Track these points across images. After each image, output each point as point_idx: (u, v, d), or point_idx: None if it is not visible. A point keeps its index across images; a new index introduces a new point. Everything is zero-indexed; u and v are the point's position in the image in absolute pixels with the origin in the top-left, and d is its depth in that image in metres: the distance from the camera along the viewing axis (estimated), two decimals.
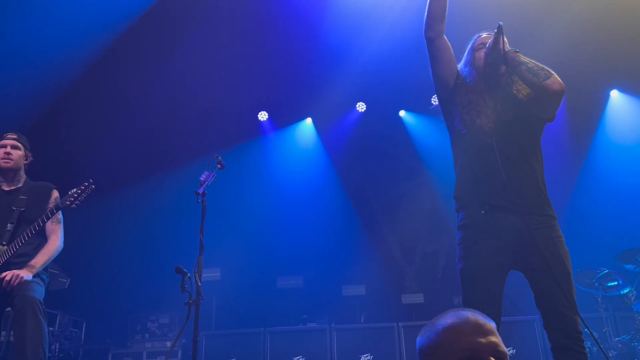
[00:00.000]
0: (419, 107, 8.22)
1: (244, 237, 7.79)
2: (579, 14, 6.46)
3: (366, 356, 6.34)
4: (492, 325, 1.44)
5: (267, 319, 7.01)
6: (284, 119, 8.46)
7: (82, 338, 7.08)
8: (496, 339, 1.40)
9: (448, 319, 1.45)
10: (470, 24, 6.53)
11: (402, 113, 8.40)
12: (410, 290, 7.96)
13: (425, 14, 2.76)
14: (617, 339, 5.10)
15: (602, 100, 7.87)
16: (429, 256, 8.27)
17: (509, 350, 6.25)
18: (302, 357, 6.48)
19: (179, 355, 6.76)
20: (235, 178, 7.57)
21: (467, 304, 2.46)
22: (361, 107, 8.27)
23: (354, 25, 6.75)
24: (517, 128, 2.66)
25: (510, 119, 2.66)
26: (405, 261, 8.30)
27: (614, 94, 7.86)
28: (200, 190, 3.41)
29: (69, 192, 3.52)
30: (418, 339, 1.50)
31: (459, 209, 2.75)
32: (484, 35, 2.87)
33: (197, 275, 3.20)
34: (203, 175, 3.54)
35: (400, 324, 6.56)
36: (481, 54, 2.78)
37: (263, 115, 8.42)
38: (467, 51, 2.91)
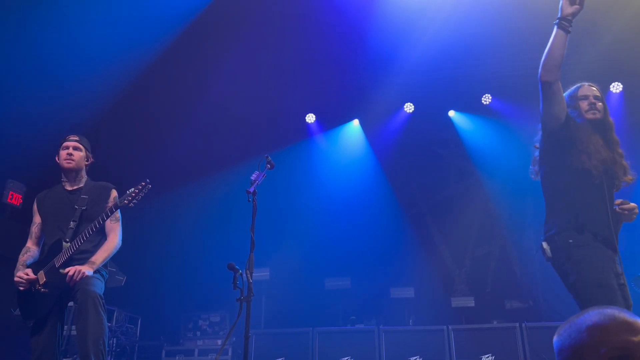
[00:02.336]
0: (469, 107, 8.09)
1: (292, 238, 7.88)
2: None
3: (415, 359, 6.27)
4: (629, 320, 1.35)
5: (315, 319, 7.04)
6: (332, 120, 8.50)
7: (138, 334, 7.33)
8: None
9: (592, 316, 1.36)
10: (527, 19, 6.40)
11: (451, 113, 8.27)
12: (460, 294, 7.81)
13: (545, 59, 2.95)
14: None
15: None
16: (480, 259, 8.10)
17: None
18: (350, 358, 6.47)
19: (229, 353, 6.89)
20: (284, 179, 7.65)
21: None
22: (409, 107, 8.19)
23: (402, 26, 6.71)
24: (613, 173, 3.01)
25: (609, 164, 3.00)
26: (455, 264, 8.16)
27: None
28: (251, 189, 3.47)
29: (127, 192, 3.66)
30: (556, 339, 1.43)
31: (572, 233, 2.91)
32: (586, 86, 3.21)
33: (248, 272, 3.26)
34: (254, 175, 3.60)
35: (450, 327, 6.45)
36: (586, 105, 3.13)
37: (310, 118, 8.49)
38: (569, 95, 3.24)
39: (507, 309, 7.46)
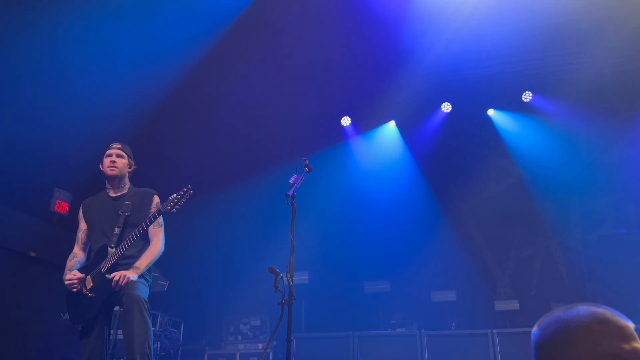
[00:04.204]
0: (508, 104, 7.90)
1: (331, 241, 7.87)
2: None
3: None
4: (632, 327, 1.27)
5: (355, 322, 7.00)
6: (367, 123, 8.45)
7: (181, 338, 7.45)
8: (639, 344, 1.23)
9: (583, 316, 1.27)
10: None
11: (490, 112, 8.10)
12: (504, 297, 7.61)
13: None
14: None
15: None
16: (524, 261, 7.87)
17: None
18: None
19: (271, 357, 6.92)
20: (321, 182, 7.66)
21: None
22: (447, 107, 8.06)
23: (436, 24, 6.61)
24: None
25: None
26: (497, 266, 7.96)
27: None
28: (290, 193, 3.48)
29: (169, 198, 3.72)
30: (537, 332, 1.34)
31: None
32: None
33: (289, 275, 3.26)
34: (292, 178, 3.61)
35: (494, 331, 6.30)
36: None
37: (346, 120, 8.46)
38: None
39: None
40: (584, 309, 1.30)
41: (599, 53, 6.88)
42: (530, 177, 7.79)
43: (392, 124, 8.47)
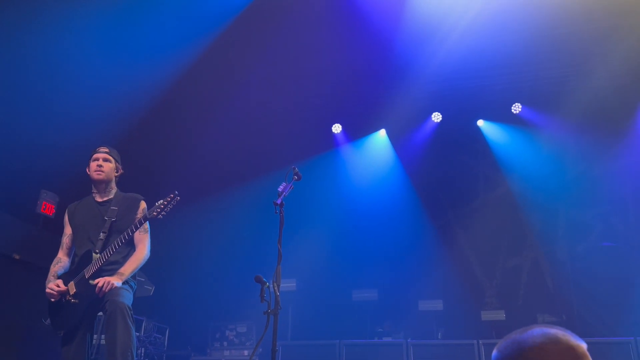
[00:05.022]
0: (498, 116, 7.96)
1: (319, 249, 7.84)
2: None
3: None
4: (584, 347, 1.33)
5: (342, 331, 6.98)
6: (358, 131, 8.47)
7: (166, 344, 7.38)
8: None
9: (535, 338, 1.34)
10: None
11: (480, 122, 8.15)
12: (490, 307, 7.63)
13: None
14: None
15: None
16: (511, 271, 7.90)
17: None
18: None
19: None
20: (311, 190, 7.65)
21: None
22: (437, 117, 8.10)
23: (428, 35, 6.65)
24: None
25: None
26: (485, 276, 7.98)
27: None
28: (279, 201, 3.47)
29: (156, 204, 3.69)
30: (495, 354, 1.40)
31: None
32: None
33: (275, 284, 3.24)
34: (281, 186, 3.60)
35: (480, 342, 6.30)
36: None
37: (337, 128, 8.47)
38: None
39: (540, 323, 7.24)
40: (538, 331, 1.36)
41: (591, 68, 6.95)
42: (518, 188, 7.84)
43: (382, 132, 8.50)
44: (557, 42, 6.65)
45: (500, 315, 7.35)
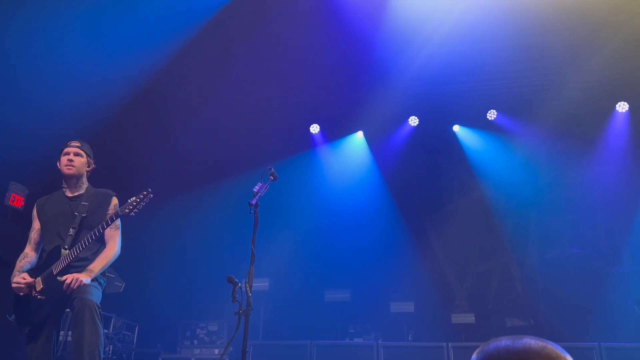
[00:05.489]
0: (473, 122, 8.06)
1: (293, 249, 7.83)
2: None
3: None
4: (566, 358, 1.28)
5: (314, 331, 6.98)
6: (336, 132, 8.48)
7: (135, 341, 7.27)
8: None
9: (535, 349, 1.27)
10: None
11: (456, 128, 8.25)
12: (460, 310, 7.73)
13: None
14: None
15: None
16: (482, 275, 8.02)
17: None
18: None
19: None
20: (287, 190, 7.64)
21: None
22: (414, 121, 8.17)
23: (408, 39, 6.71)
24: None
25: None
26: (456, 279, 8.08)
27: None
28: (253, 201, 3.45)
29: (128, 201, 3.63)
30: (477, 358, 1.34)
31: None
32: None
33: (247, 285, 3.22)
34: (256, 187, 3.58)
35: (449, 344, 6.38)
36: None
37: (315, 128, 8.47)
38: None
39: (508, 327, 7.38)
40: (535, 342, 1.30)
41: (564, 78, 7.09)
42: (491, 193, 7.95)
43: (360, 134, 8.53)
44: (533, 52, 6.77)
45: (470, 318, 7.45)
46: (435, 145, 8.26)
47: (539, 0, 6.07)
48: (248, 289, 3.20)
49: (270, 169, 3.76)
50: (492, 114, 7.90)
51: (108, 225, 3.66)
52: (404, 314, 7.54)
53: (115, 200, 3.96)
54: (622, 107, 7.53)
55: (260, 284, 7.41)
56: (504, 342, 1.35)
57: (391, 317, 7.54)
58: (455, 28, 6.50)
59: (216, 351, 7.22)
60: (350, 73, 7.41)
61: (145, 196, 3.62)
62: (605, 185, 7.49)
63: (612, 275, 6.87)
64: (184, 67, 6.88)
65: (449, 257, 8.16)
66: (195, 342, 7.42)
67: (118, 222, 3.86)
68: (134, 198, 3.61)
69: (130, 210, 3.59)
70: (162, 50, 6.48)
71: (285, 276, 7.67)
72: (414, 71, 7.14)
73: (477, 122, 8.03)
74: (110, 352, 6.62)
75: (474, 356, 1.38)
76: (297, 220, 8.02)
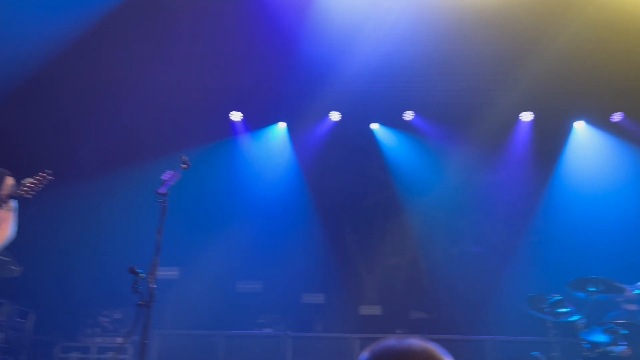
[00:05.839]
0: (392, 121, 8.31)
1: (206, 238, 7.69)
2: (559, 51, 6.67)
3: None
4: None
5: (225, 321, 6.92)
6: (258, 121, 8.40)
7: (31, 329, 6.85)
8: None
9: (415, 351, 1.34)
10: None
11: (374, 126, 8.46)
12: (369, 302, 7.98)
13: None
14: None
15: (567, 131, 8.12)
16: (391, 269, 8.31)
17: None
18: None
19: (130, 352, 6.60)
20: (204, 177, 7.49)
21: None
22: (335, 116, 8.28)
23: (334, 35, 6.76)
24: None
25: None
26: (366, 272, 8.32)
27: (579, 125, 8.11)
28: (162, 190, 3.34)
29: (24, 182, 3.40)
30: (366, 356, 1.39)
31: None
32: None
33: (151, 276, 3.13)
34: (166, 175, 3.47)
35: (356, 335, 6.58)
36: None
37: (236, 116, 8.35)
38: None
39: (412, 319, 7.72)
40: (418, 344, 1.38)
41: (478, 85, 7.46)
42: (404, 192, 8.24)
43: (282, 125, 8.51)
44: (451, 58, 7.05)
45: (377, 310, 7.72)
46: (355, 142, 8.43)
47: (460, 9, 6.33)
48: (151, 280, 3.11)
49: (183, 156, 3.66)
50: (409, 115, 8.18)
51: (1, 206, 3.42)
52: (314, 305, 7.67)
53: (10, 180, 3.70)
54: (527, 116, 8.07)
55: (170, 272, 7.23)
56: (391, 342, 1.40)
57: (302, 308, 7.64)
58: (379, 28, 6.64)
59: (119, 339, 6.97)
60: (277, 63, 7.36)
61: (44, 178, 3.41)
62: (508, 188, 8.02)
63: (507, 274, 7.38)
64: (98, 46, 6.52)
65: (362, 250, 8.38)
66: (98, 329, 7.11)
67: (13, 203, 3.61)
68: (30, 179, 3.39)
69: (27, 192, 3.37)
70: (79, 27, 6.08)
71: (196, 265, 7.52)
72: (338, 67, 7.21)
73: (394, 122, 8.28)
74: (3, 340, 6.20)
75: (364, 354, 1.44)
76: (213, 208, 7.89)
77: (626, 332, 5.02)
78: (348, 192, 8.45)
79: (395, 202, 8.26)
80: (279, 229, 7.85)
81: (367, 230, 8.33)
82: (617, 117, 7.85)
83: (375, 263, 8.31)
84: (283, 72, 7.43)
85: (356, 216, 8.41)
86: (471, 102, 7.74)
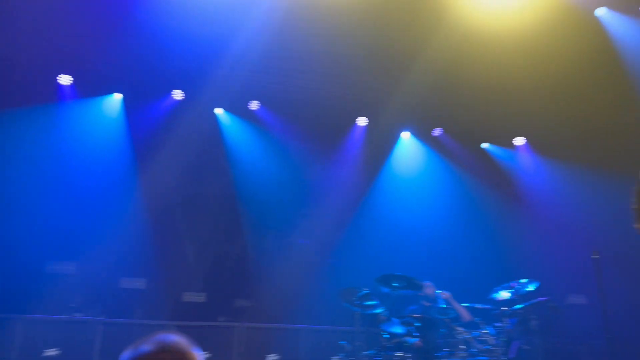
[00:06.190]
0: (237, 109, 8.24)
1: (16, 211, 6.89)
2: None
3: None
4: (197, 357, 1.43)
5: (32, 304, 6.27)
6: (90, 88, 7.71)
7: None
8: None
9: (151, 345, 1.43)
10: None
11: (219, 111, 8.32)
12: (193, 289, 7.83)
13: None
14: (365, 353, 5.66)
15: (395, 139, 8.83)
16: (219, 257, 8.25)
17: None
18: (59, 350, 5.95)
19: None
20: (21, 141, 6.71)
21: None
22: (178, 95, 7.97)
23: (182, 13, 6.47)
24: None
25: None
26: (194, 259, 8.15)
27: (406, 135, 8.87)
28: None
29: None
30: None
31: None
32: None
33: None
34: None
35: (176, 323, 6.44)
36: None
37: (65, 79, 7.56)
38: None
39: (235, 308, 7.76)
40: (157, 338, 1.44)
41: (323, 86, 7.69)
42: (241, 180, 8.23)
43: (117, 96, 7.92)
44: (300, 54, 7.14)
45: (202, 297, 7.62)
46: (196, 124, 8.16)
47: (316, 10, 6.43)
48: None
49: None
50: (254, 105, 8.19)
51: None
52: (134, 291, 7.31)
53: None
54: (362, 121, 8.59)
55: None
56: (144, 343, 1.48)
57: (120, 292, 7.22)
58: (233, 15, 6.52)
59: None
60: (116, 30, 6.81)
61: None
62: (341, 185, 8.46)
63: (325, 266, 7.78)
64: None
65: (191, 236, 8.18)
66: None
67: None
68: None
69: None
70: None
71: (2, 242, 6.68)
72: (185, 45, 6.93)
73: (239, 110, 8.23)
74: None
75: (124, 355, 1.45)
76: (25, 177, 7.07)
77: (419, 324, 5.62)
78: (182, 176, 8.15)
79: (231, 190, 8.21)
80: (100, 207, 7.31)
81: (199, 216, 8.16)
82: (437, 132, 8.75)
83: (205, 250, 8.17)
84: (122, 40, 6.90)
85: (189, 201, 8.18)
86: (314, 100, 7.98)
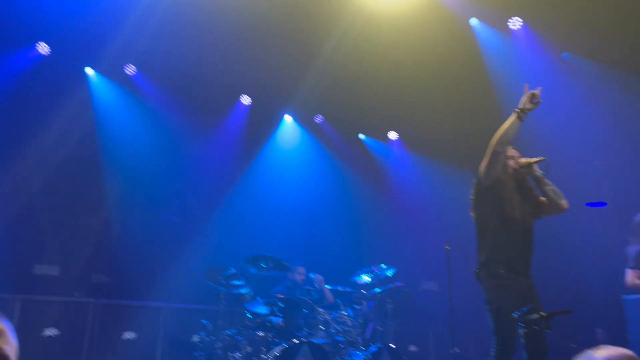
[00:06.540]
0: (109, 71, 7.65)
1: None
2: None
3: None
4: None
5: None
6: None
7: None
8: None
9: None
10: None
11: (89, 71, 7.67)
12: (46, 261, 7.20)
13: (501, 137, 3.54)
14: (227, 332, 5.63)
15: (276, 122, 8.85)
16: (81, 229, 7.63)
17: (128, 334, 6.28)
18: None
19: None
20: None
21: None
22: (43, 48, 7.21)
23: None
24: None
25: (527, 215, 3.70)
26: (50, 229, 7.46)
27: (288, 118, 8.93)
28: None
29: None
30: None
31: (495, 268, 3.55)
32: (512, 149, 3.79)
33: None
34: None
35: (18, 297, 5.91)
36: (512, 163, 3.73)
37: None
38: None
39: (93, 282, 7.29)
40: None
41: (210, 60, 7.39)
42: (110, 149, 7.69)
43: None
44: (184, 20, 6.77)
45: (55, 270, 7.06)
46: (63, 83, 7.45)
47: None
48: None
49: None
50: (130, 69, 7.69)
51: None
52: None
53: None
54: (246, 99, 8.47)
55: None
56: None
57: None
58: None
59: None
60: None
61: None
62: (215, 164, 8.27)
63: (194, 244, 7.58)
64: None
65: (49, 205, 7.46)
66: None
67: None
68: None
69: None
70: None
71: None
72: None
73: (113, 73, 7.67)
74: None
75: None
76: None
77: (283, 305, 5.71)
78: (44, 137, 7.38)
79: (97, 158, 7.62)
80: None
81: (60, 184, 7.47)
82: (318, 119, 8.92)
83: (64, 221, 7.51)
84: None
85: (49, 167, 7.43)
86: (197, 72, 7.67)
